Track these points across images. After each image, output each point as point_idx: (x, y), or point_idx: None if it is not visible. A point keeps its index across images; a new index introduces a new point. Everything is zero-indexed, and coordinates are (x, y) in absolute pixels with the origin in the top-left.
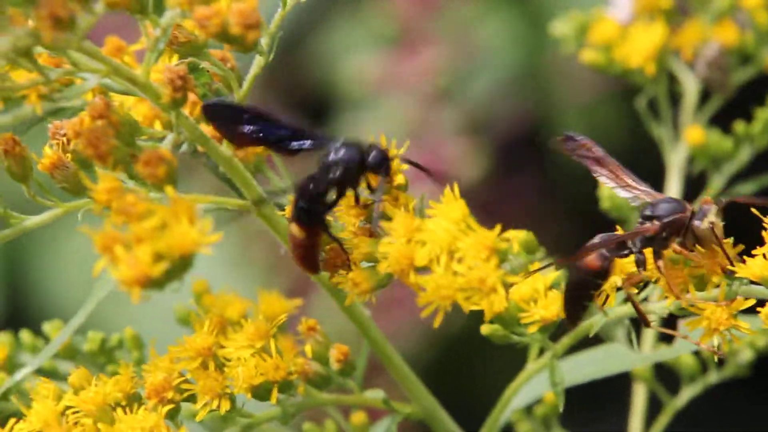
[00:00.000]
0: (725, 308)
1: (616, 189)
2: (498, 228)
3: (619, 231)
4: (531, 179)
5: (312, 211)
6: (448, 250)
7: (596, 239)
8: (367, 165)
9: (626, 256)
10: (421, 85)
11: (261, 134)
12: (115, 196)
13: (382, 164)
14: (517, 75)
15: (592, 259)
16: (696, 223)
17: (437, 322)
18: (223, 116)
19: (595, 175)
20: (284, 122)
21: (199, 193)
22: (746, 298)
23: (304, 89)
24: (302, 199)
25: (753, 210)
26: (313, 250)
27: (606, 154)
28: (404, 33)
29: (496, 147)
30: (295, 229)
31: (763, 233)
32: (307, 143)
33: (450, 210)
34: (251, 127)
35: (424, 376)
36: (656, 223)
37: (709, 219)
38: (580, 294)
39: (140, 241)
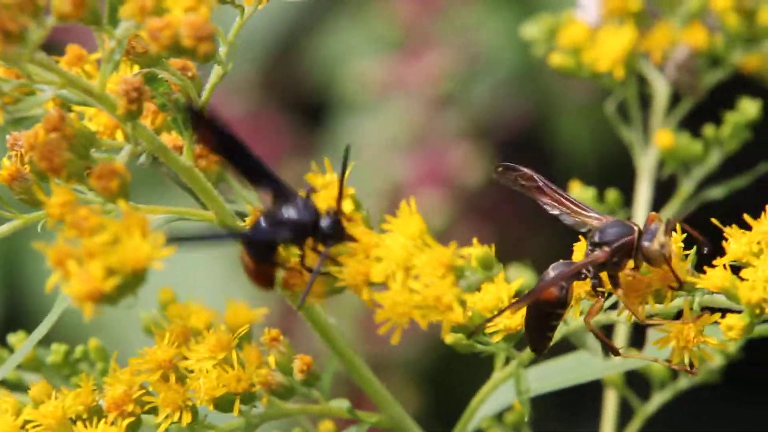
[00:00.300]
0: (692, 325)
1: (561, 216)
2: (454, 245)
3: (575, 255)
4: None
5: (259, 251)
6: (404, 267)
7: (550, 271)
8: (319, 231)
9: (583, 279)
10: (424, 88)
11: (232, 160)
12: (68, 209)
13: (334, 234)
14: (517, 76)
15: (549, 291)
16: (645, 244)
17: (395, 339)
18: (207, 127)
19: (540, 203)
20: (254, 160)
21: (180, 204)
22: (710, 310)
23: (303, 92)
24: (250, 239)
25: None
26: (264, 274)
27: (547, 182)
28: (406, 36)
29: (496, 149)
30: (245, 257)
31: (723, 243)
32: (267, 188)
33: (407, 226)
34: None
35: (422, 383)
36: (606, 249)
37: (658, 239)
38: (543, 325)
39: (92, 255)
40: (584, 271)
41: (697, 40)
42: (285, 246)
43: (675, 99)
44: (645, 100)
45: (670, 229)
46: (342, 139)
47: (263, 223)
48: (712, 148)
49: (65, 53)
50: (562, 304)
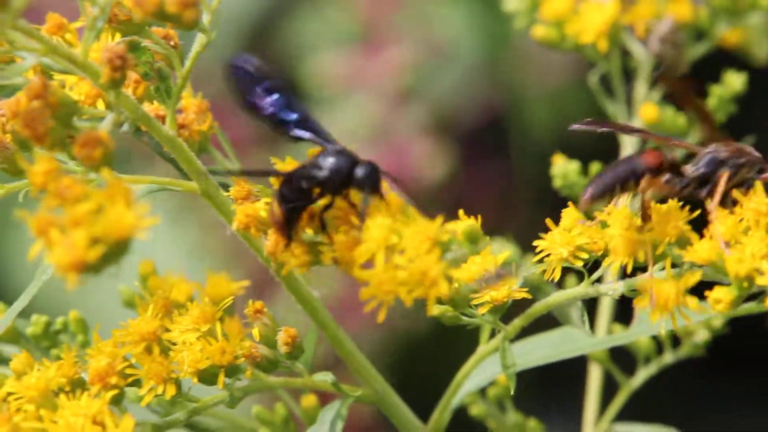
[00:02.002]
0: (673, 284)
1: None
2: (440, 219)
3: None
4: (497, 168)
5: (290, 199)
6: (385, 245)
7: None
8: (353, 179)
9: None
10: (385, 82)
11: (271, 111)
12: (51, 178)
13: (368, 182)
14: (481, 65)
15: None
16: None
17: (381, 317)
18: (244, 78)
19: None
20: (297, 105)
21: (162, 175)
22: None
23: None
24: (284, 186)
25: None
26: (288, 225)
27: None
28: (368, 30)
29: (461, 139)
30: (274, 205)
31: (708, 218)
32: (308, 135)
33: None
34: (265, 100)
35: (388, 375)
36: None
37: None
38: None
39: (76, 224)
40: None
41: (681, 12)
42: (320, 194)
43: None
44: (628, 74)
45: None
46: None
47: (302, 168)
48: (696, 123)
49: (45, 21)
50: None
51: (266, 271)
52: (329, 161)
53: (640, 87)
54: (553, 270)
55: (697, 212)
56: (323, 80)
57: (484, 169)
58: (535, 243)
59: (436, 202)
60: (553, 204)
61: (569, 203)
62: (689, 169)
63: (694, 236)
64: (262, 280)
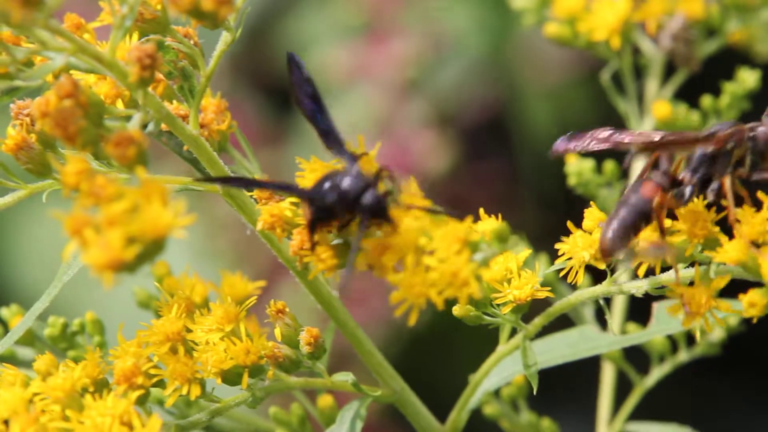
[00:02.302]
0: (704, 289)
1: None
2: (469, 219)
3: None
4: (499, 165)
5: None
6: (414, 247)
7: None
8: (359, 205)
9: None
10: (390, 76)
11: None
12: (84, 178)
13: (370, 210)
14: (484, 61)
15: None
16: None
17: (413, 320)
18: (299, 75)
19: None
20: (324, 117)
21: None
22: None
23: (272, 78)
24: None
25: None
26: (316, 229)
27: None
28: (372, 22)
29: (464, 135)
30: (305, 208)
31: (735, 225)
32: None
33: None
34: (309, 103)
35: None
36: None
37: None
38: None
39: (111, 224)
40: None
41: (693, 9)
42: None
43: (670, 69)
44: (639, 72)
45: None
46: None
47: (323, 184)
48: (709, 119)
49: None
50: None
51: (272, 272)
52: (339, 181)
53: (652, 84)
54: (576, 273)
55: (724, 213)
56: (327, 73)
57: (485, 165)
58: (556, 246)
59: (439, 196)
60: (553, 200)
61: (591, 203)
62: (687, 176)
63: (723, 237)
64: (267, 279)
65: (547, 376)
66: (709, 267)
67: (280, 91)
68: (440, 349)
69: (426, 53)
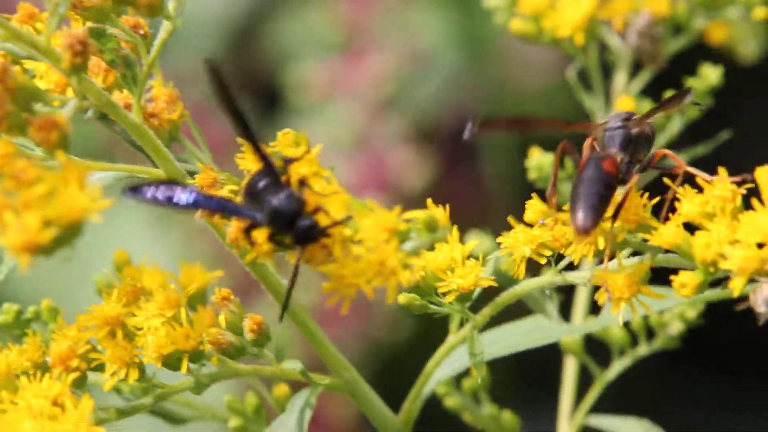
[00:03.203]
0: (626, 275)
1: None
2: (398, 209)
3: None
4: (477, 171)
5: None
6: (341, 238)
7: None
8: (295, 232)
9: None
10: (367, 91)
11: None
12: (6, 160)
13: (306, 238)
14: (463, 73)
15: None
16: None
17: (344, 310)
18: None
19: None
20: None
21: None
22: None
23: (257, 78)
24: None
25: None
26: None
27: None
28: (349, 37)
29: (442, 144)
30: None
31: (676, 204)
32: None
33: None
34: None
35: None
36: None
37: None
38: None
39: (28, 207)
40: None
41: (659, 6)
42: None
43: (637, 67)
44: (606, 69)
45: None
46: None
47: (247, 197)
48: (673, 115)
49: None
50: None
51: (248, 276)
52: (275, 205)
53: (619, 81)
54: (518, 267)
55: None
56: (304, 88)
57: (463, 172)
58: (498, 240)
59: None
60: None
61: (532, 194)
62: (619, 155)
63: (656, 222)
64: (247, 283)
65: (510, 369)
66: (644, 255)
67: (265, 94)
68: (421, 363)
69: (404, 68)
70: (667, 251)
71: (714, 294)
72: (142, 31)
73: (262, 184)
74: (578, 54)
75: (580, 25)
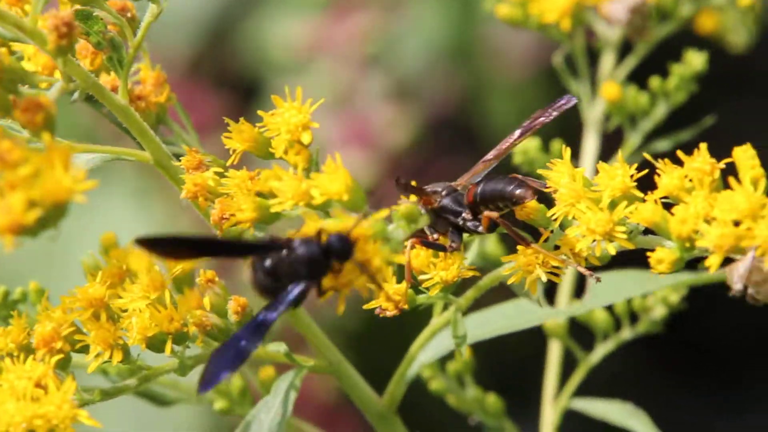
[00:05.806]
0: (533, 248)
1: None
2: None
3: None
4: (461, 160)
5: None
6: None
7: None
8: (331, 255)
9: None
10: (350, 49)
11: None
12: None
13: (344, 251)
14: (446, 49)
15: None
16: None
17: (340, 309)
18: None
19: None
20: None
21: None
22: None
23: (234, 71)
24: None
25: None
26: None
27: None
28: None
29: (424, 116)
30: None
31: (656, 178)
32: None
33: (333, 180)
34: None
35: (347, 348)
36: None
37: None
38: None
39: (13, 187)
40: None
41: None
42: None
43: (624, 52)
44: (593, 55)
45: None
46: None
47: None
48: (658, 101)
49: None
50: None
51: None
52: (300, 252)
53: (605, 67)
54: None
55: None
56: (288, 48)
57: (444, 159)
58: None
59: (399, 169)
60: None
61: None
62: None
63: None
64: (231, 265)
65: (495, 352)
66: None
67: (244, 82)
68: (401, 327)
69: (387, 28)
70: (647, 231)
71: (694, 277)
72: (129, 14)
73: (272, 263)
74: (564, 39)
75: (567, 11)
